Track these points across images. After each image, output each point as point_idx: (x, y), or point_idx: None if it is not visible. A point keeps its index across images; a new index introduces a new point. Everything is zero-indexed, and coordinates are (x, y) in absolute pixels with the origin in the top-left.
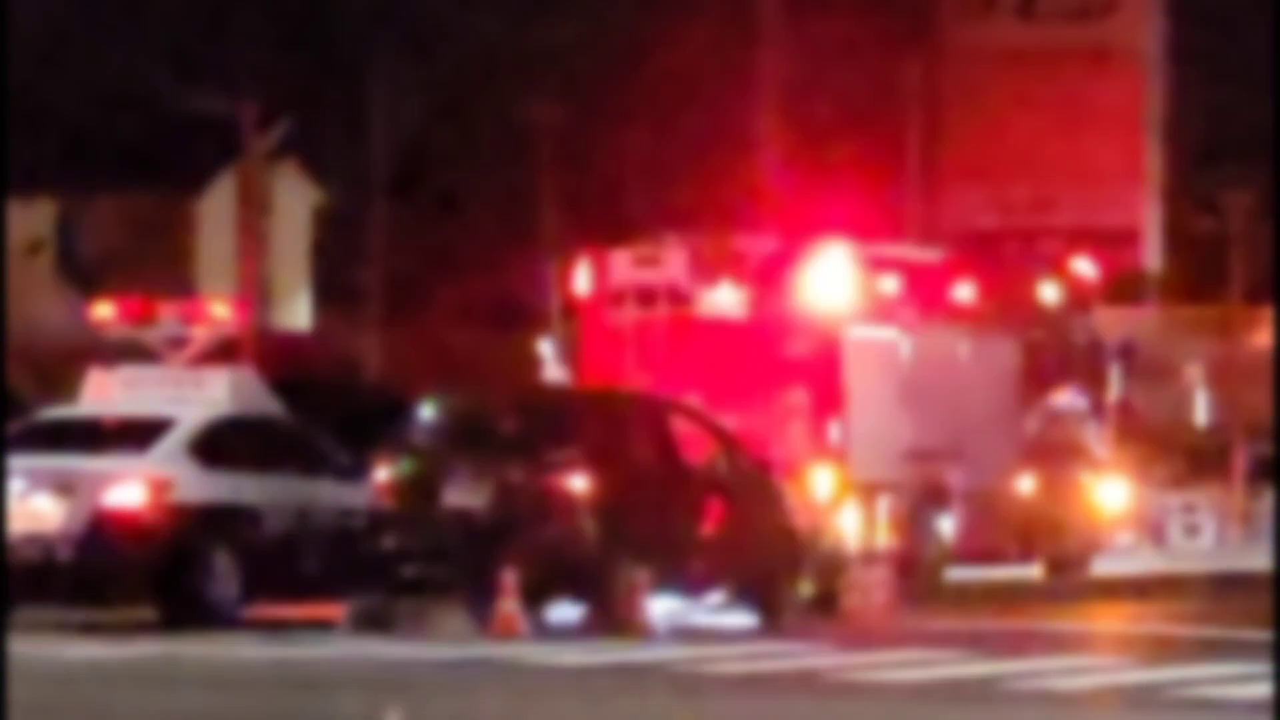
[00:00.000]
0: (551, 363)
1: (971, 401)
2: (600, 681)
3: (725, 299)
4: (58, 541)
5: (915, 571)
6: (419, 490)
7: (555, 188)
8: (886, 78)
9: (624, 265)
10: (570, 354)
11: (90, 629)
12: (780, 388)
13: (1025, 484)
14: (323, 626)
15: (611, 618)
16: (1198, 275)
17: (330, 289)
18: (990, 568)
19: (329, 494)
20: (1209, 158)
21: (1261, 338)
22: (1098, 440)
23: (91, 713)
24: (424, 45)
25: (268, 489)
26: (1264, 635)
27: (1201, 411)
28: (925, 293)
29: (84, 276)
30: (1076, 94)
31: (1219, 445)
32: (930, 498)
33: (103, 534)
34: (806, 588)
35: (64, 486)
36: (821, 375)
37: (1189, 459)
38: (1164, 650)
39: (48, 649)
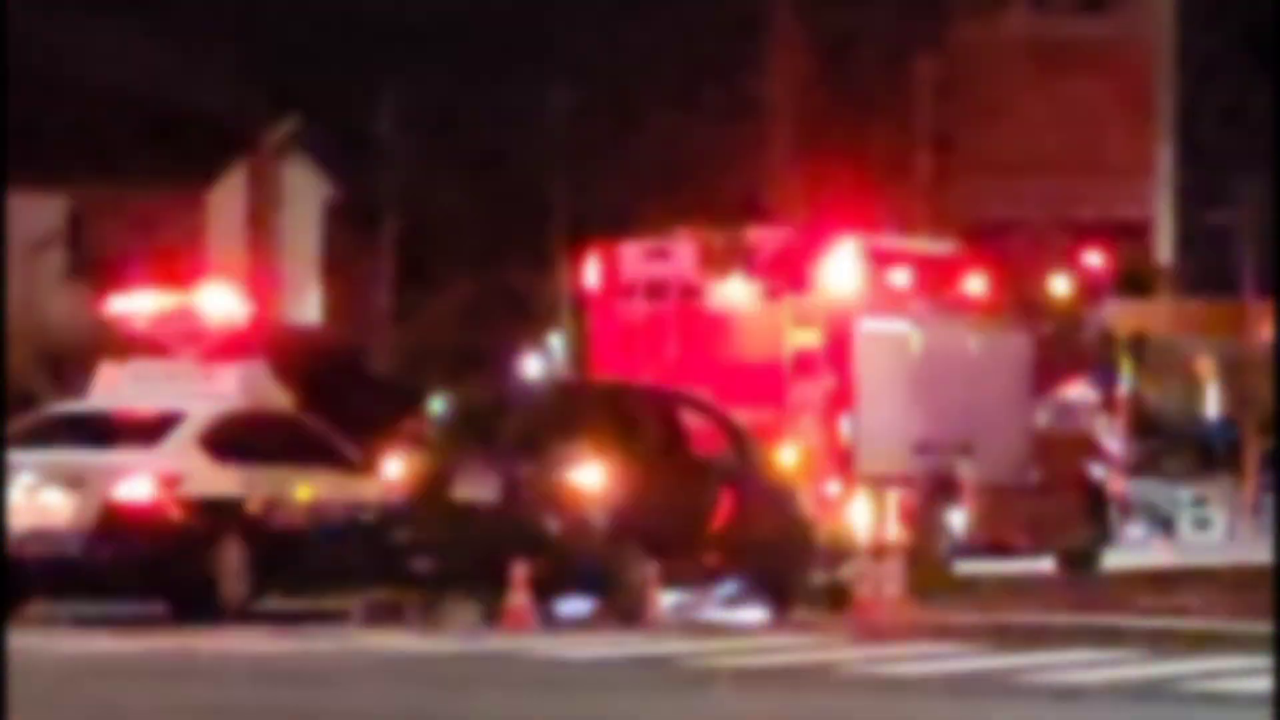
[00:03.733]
0: (538, 353)
1: (982, 395)
2: (610, 675)
3: (735, 292)
4: (68, 535)
5: (926, 565)
6: (430, 484)
7: (566, 181)
8: (898, 70)
9: (634, 259)
10: (581, 348)
11: (100, 623)
12: (791, 381)
13: (1036, 477)
14: (333, 620)
15: (622, 611)
16: (1209, 268)
17: (341, 283)
18: (1001, 561)
19: (339, 488)
20: (1221, 150)
21: (1273, 330)
22: (1109, 433)
23: (102, 707)
24: (434, 38)
25: (277, 483)
26: (1273, 628)
27: (1213, 404)
28: (936, 286)
29: (94, 271)
30: (1088, 87)
31: (1230, 438)
32: (941, 491)
33: (113, 528)
34: (817, 581)
35: (74, 480)
36: (832, 368)
37: (1200, 452)
38: (1176, 644)
39: (58, 643)
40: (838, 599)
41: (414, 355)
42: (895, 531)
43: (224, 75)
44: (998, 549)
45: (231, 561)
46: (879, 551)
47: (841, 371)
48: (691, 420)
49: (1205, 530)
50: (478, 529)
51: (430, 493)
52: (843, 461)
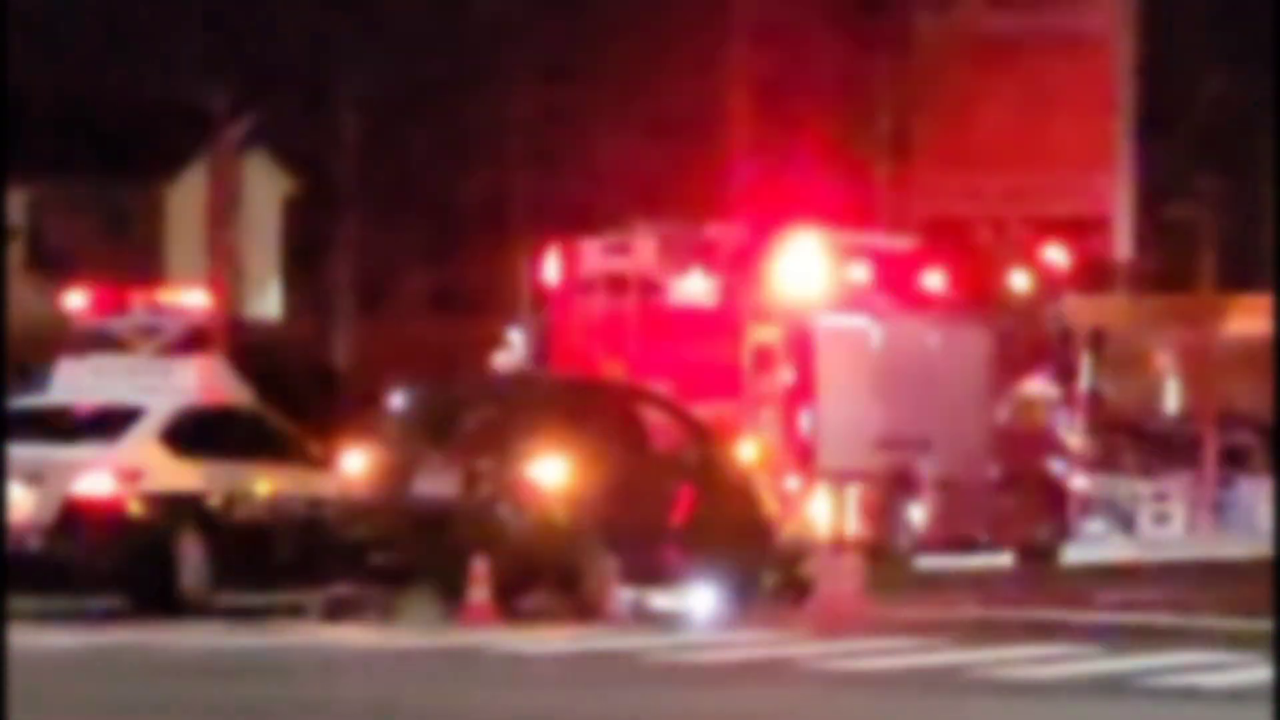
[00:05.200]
0: (506, 351)
1: (942, 390)
2: (570, 671)
3: (696, 288)
4: (27, 530)
5: (885, 560)
6: (390, 479)
7: (526, 177)
8: (857, 65)
9: (594, 254)
10: (541, 343)
11: (60, 618)
12: (750, 376)
13: (995, 472)
14: (293, 615)
15: (582, 607)
16: (1169, 263)
17: (300, 278)
18: (960, 556)
19: (299, 482)
20: (1180, 144)
21: (1233, 325)
22: (1068, 428)
23: (62, 701)
24: (391, 35)
25: (237, 478)
26: (1234, 624)
27: (1172, 400)
28: (896, 281)
29: (54, 264)
30: (1046, 81)
31: (1189, 433)
32: (901, 486)
33: (72, 523)
34: (777, 576)
35: (34, 476)
36: (792, 364)
37: (1159, 447)
38: (1134, 638)
39: (18, 638)
40: (798, 594)
41: (374, 350)
42: (855, 526)
43: (184, 70)
44: (958, 544)
45: (191, 556)
46: (839, 546)
47: (801, 367)
48: (652, 415)
49: (1165, 525)
50: (438, 524)
51: (390, 488)
52: (803, 456)
